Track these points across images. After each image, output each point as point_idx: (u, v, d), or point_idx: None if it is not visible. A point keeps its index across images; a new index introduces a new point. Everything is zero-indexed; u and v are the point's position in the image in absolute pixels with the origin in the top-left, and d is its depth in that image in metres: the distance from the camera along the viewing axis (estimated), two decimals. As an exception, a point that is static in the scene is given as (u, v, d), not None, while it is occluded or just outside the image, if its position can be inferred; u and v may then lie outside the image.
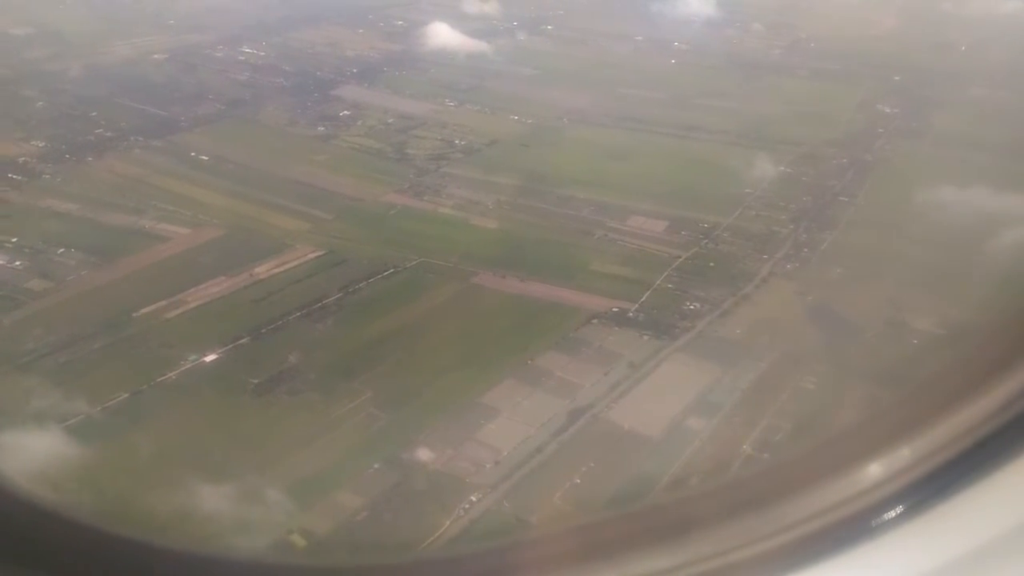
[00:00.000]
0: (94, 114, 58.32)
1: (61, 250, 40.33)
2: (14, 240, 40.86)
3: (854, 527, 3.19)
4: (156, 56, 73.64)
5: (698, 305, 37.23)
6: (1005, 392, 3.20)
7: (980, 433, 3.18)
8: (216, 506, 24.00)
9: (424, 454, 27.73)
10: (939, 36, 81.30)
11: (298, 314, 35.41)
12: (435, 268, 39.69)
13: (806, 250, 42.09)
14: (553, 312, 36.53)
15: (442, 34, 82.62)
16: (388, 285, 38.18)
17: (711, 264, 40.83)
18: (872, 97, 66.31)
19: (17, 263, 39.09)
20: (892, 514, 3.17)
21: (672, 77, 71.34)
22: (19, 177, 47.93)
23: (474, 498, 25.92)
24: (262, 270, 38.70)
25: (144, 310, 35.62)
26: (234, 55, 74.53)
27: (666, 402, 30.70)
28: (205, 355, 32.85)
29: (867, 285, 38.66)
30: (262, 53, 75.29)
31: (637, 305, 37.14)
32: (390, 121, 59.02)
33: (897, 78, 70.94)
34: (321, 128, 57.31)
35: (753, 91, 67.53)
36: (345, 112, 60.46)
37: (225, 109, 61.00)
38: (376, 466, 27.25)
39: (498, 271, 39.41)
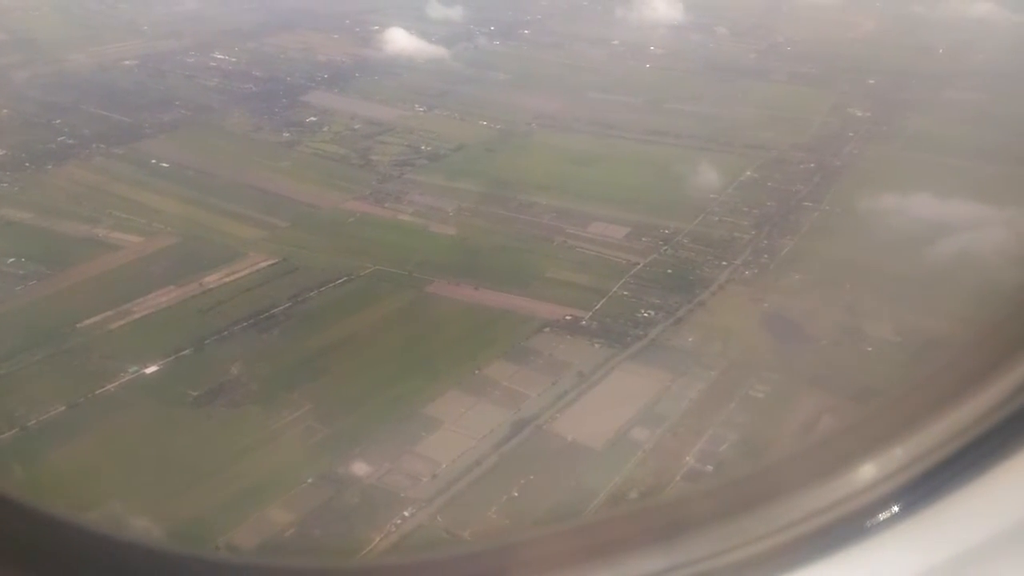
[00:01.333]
0: (58, 122, 57.73)
1: (11, 260, 39.71)
2: (-37, 250, 40.30)
3: (848, 527, 3.16)
4: (127, 62, 73.10)
5: (652, 313, 36.78)
6: (998, 392, 3.16)
7: (973, 433, 3.15)
8: (138, 523, 23.40)
9: (360, 468, 27.17)
10: (918, 39, 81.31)
11: (244, 324, 34.85)
12: (389, 276, 39.18)
13: (766, 256, 41.68)
14: (505, 321, 36.03)
15: (416, 40, 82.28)
16: (339, 294, 37.65)
17: (669, 271, 40.38)
18: (845, 101, 66.08)
19: (-36, 273, 38.52)
20: (886, 514, 3.13)
21: (646, 81, 71.07)
22: (-25, 186, 47.41)
23: (407, 513, 25.37)
24: (212, 279, 38.13)
25: (89, 321, 35.02)
26: (205, 61, 74.06)
27: (612, 413, 30.20)
28: (146, 367, 32.26)
29: (825, 291, 38.21)
30: (234, 59, 74.82)
31: (591, 313, 36.68)
32: (357, 127, 58.55)
33: (872, 81, 70.78)
34: (286, 134, 56.82)
35: (726, 95, 67.19)
36: (312, 118, 60.00)
37: (191, 115, 60.46)
38: (310, 480, 26.68)
39: (453, 279, 38.92)
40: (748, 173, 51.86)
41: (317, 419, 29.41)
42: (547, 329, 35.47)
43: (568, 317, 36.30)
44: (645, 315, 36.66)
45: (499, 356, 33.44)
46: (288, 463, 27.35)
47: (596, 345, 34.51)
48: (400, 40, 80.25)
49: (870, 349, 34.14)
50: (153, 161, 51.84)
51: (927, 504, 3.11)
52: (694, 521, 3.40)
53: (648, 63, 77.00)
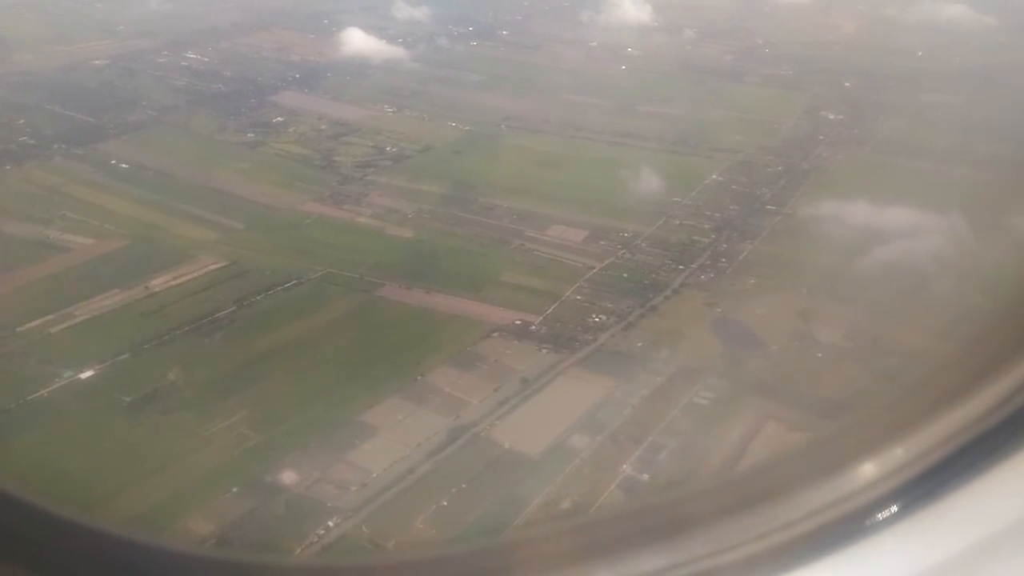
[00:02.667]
0: (21, 121, 57.11)
1: (-42, 262, 39.18)
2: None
3: (847, 527, 3.14)
4: (97, 62, 72.41)
5: (604, 317, 36.28)
6: (998, 391, 3.15)
7: (973, 433, 3.14)
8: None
9: (289, 477, 26.62)
10: (897, 41, 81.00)
11: (186, 328, 34.28)
12: (340, 280, 38.64)
13: (724, 260, 41.20)
14: (454, 325, 35.51)
15: (392, 40, 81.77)
16: (287, 297, 37.10)
17: (624, 275, 39.87)
18: (819, 103, 65.64)
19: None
20: (886, 514, 3.12)
21: (620, 83, 70.53)
22: (-71, 186, 46.82)
23: (331, 523, 24.84)
24: (159, 282, 37.55)
25: (29, 324, 34.41)
26: (177, 61, 73.42)
27: (552, 419, 29.71)
28: (82, 372, 31.69)
29: (780, 296, 37.78)
30: (206, 59, 74.22)
31: (542, 318, 36.16)
32: (323, 127, 57.99)
33: (847, 84, 70.38)
34: (250, 135, 56.24)
35: (699, 97, 66.70)
36: (279, 118, 59.42)
37: (156, 116, 59.83)
38: (235, 490, 26.12)
39: (405, 283, 38.41)
40: (714, 176, 51.40)
41: (250, 426, 28.85)
42: (496, 334, 34.96)
43: (518, 322, 35.78)
44: (596, 320, 36.16)
45: (444, 362, 32.91)
46: (214, 472, 26.78)
47: (544, 350, 34.00)
48: (375, 40, 79.77)
49: (820, 355, 33.71)
50: (113, 162, 51.24)
51: (926, 504, 3.08)
52: (694, 520, 3.36)
53: (624, 65, 76.50)
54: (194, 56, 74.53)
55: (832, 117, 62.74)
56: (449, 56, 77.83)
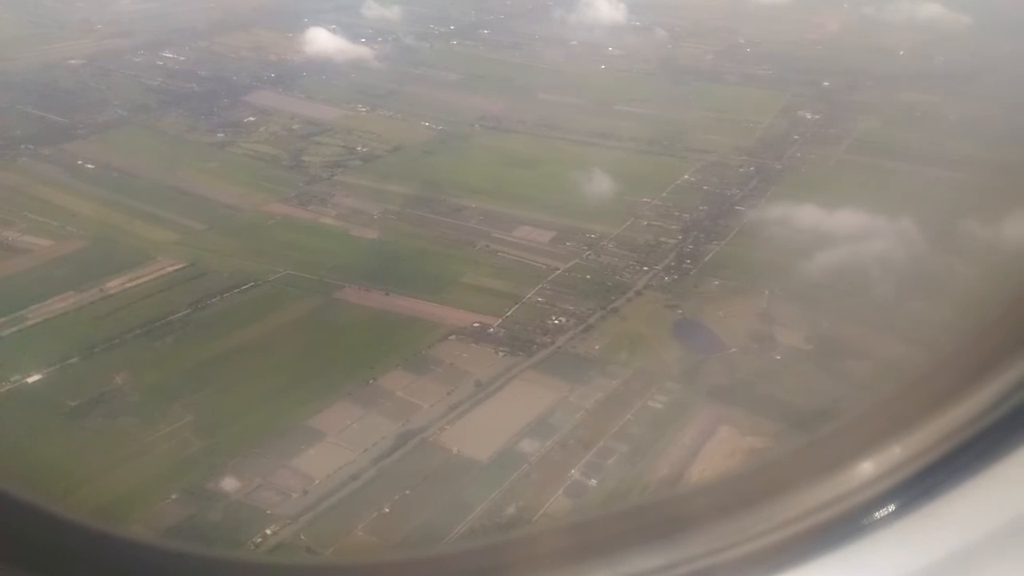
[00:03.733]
0: (-10, 121, 56.60)
1: (-88, 264, 38.63)
2: None
3: (845, 525, 3.14)
4: (72, 61, 71.75)
5: (563, 320, 35.89)
6: (994, 390, 3.14)
7: (970, 431, 3.14)
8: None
9: (230, 483, 26.19)
10: (880, 40, 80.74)
11: (138, 332, 33.79)
12: (299, 282, 38.17)
13: (689, 262, 40.82)
14: (411, 328, 35.09)
15: (372, 39, 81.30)
16: (243, 300, 36.64)
17: (588, 276, 39.50)
18: (797, 103, 65.32)
19: None
20: (883, 512, 3.12)
21: (598, 83, 70.12)
22: None
23: (269, 531, 24.42)
24: (114, 284, 37.05)
25: (-21, 327, 33.94)
26: (153, 60, 72.80)
27: (503, 423, 29.32)
28: (29, 376, 31.20)
29: (742, 298, 37.45)
30: (182, 58, 73.65)
31: (501, 320, 35.75)
32: (295, 127, 57.50)
33: (826, 83, 70.04)
34: (220, 135, 55.71)
35: (677, 97, 66.38)
36: (250, 118, 58.88)
37: (127, 116, 59.25)
38: (174, 496, 25.68)
39: (365, 285, 37.95)
40: (686, 177, 51.02)
41: (195, 431, 28.40)
42: (453, 337, 34.55)
43: (476, 324, 35.37)
44: (555, 322, 35.77)
45: (397, 365, 32.49)
46: (155, 478, 26.33)
47: (500, 353, 33.60)
48: (354, 40, 79.18)
49: (778, 357, 33.38)
50: (79, 162, 50.69)
51: (924, 502, 3.09)
52: (692, 519, 3.36)
53: (604, 64, 76.11)
54: (170, 55, 73.98)
55: (809, 117, 62.40)
56: (428, 55, 77.39)
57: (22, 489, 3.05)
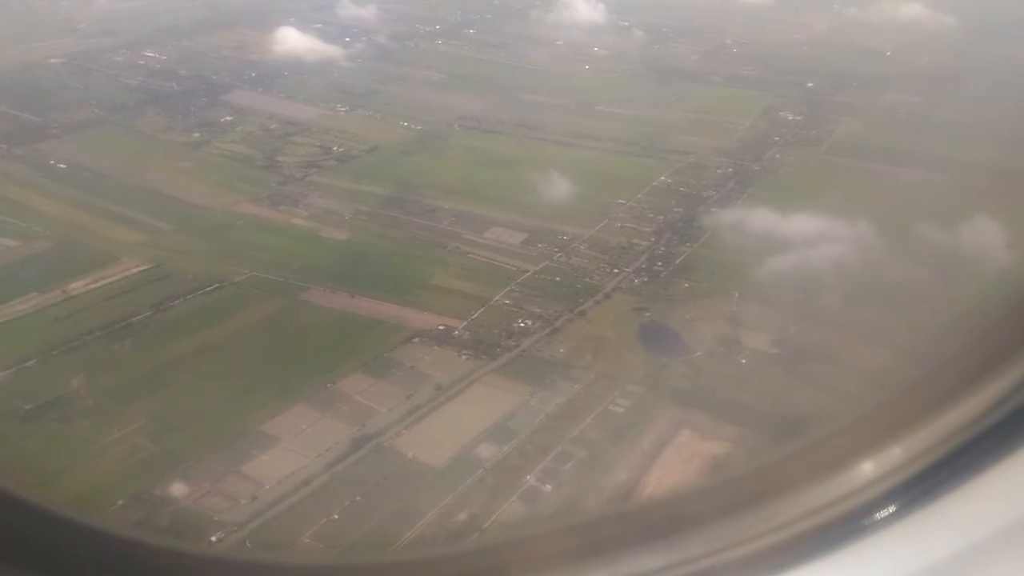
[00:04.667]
0: (-36, 121, 56.17)
1: None
2: None
3: (845, 526, 3.15)
4: (53, 60, 71.33)
5: (529, 323, 35.53)
6: (994, 392, 3.17)
7: (970, 433, 3.15)
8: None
9: (178, 489, 25.82)
10: (867, 41, 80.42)
11: (98, 334, 33.40)
12: (264, 283, 37.80)
13: (660, 264, 40.46)
14: (375, 330, 34.73)
15: (356, 38, 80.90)
16: (207, 301, 36.25)
17: (557, 279, 39.13)
18: (779, 104, 64.95)
19: None
20: (884, 513, 3.13)
21: (581, 83, 69.74)
22: None
23: (215, 538, 24.03)
24: (77, 286, 36.64)
25: (-63, 330, 33.56)
26: (134, 59, 72.43)
27: (461, 428, 28.96)
28: (-16, 378, 30.84)
29: (711, 301, 37.12)
30: (163, 57, 73.26)
31: (466, 323, 35.39)
32: (272, 127, 57.10)
33: (811, 84, 69.69)
34: (196, 134, 55.32)
35: (659, 98, 66.01)
36: (227, 117, 58.50)
37: (104, 115, 58.86)
38: (120, 503, 25.32)
39: (331, 286, 37.57)
40: (662, 178, 50.66)
41: (147, 436, 28.01)
42: (416, 340, 34.18)
43: (441, 327, 35.01)
44: (521, 325, 35.42)
45: (358, 368, 32.12)
46: (102, 483, 25.98)
47: (463, 357, 33.24)
48: (338, 39, 78.82)
49: (744, 361, 33.04)
50: (51, 162, 50.26)
51: (924, 503, 3.10)
52: (692, 519, 3.35)
53: (588, 64, 75.77)
54: (151, 55, 73.59)
55: (791, 118, 62.06)
56: (411, 55, 77.00)
57: (16, 486, 3.02)
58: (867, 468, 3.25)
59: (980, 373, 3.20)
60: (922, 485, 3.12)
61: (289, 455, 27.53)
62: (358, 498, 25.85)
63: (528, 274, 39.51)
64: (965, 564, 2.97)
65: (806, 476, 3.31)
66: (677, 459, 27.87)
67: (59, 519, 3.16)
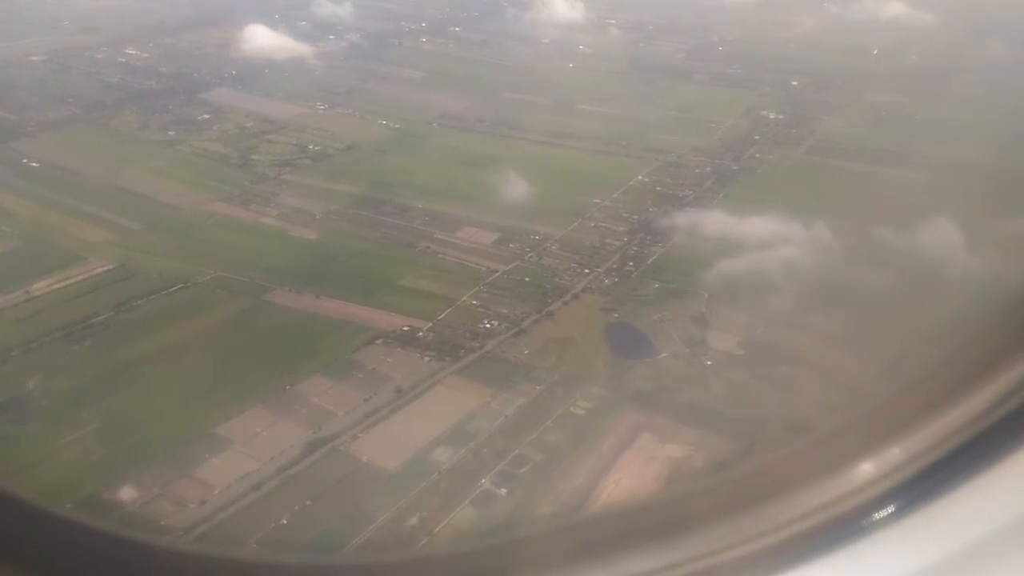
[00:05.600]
0: (-61, 119, 55.78)
1: None
2: None
3: (845, 526, 3.13)
4: (34, 58, 70.88)
5: (496, 323, 35.19)
6: (993, 393, 3.15)
7: (969, 433, 3.13)
8: None
9: (127, 493, 25.51)
10: (856, 39, 79.99)
11: (58, 335, 33.06)
12: (230, 283, 37.44)
13: (631, 264, 40.10)
14: (338, 332, 34.37)
15: (341, 36, 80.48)
16: (170, 302, 35.90)
17: (526, 279, 38.78)
18: (762, 102, 64.56)
19: None
20: (883, 514, 3.11)
21: (564, 81, 69.27)
22: None
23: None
24: (41, 286, 36.28)
25: None
26: (115, 57, 71.97)
27: (419, 431, 28.63)
28: (-61, 380, 30.51)
29: (681, 302, 36.78)
30: (145, 55, 72.82)
31: (432, 324, 35.04)
32: (249, 125, 56.69)
33: (795, 83, 69.34)
34: (171, 132, 54.93)
35: (642, 96, 65.57)
36: (205, 115, 58.10)
37: (80, 113, 58.46)
38: (68, 507, 24.76)
39: (297, 287, 37.21)
40: (640, 177, 50.29)
41: (101, 438, 27.69)
42: (380, 341, 33.84)
43: (406, 328, 34.66)
44: (487, 326, 35.08)
45: (318, 370, 31.77)
46: (51, 487, 25.52)
47: (426, 358, 32.88)
48: (322, 37, 78.43)
49: (709, 363, 32.71)
50: (24, 161, 49.91)
51: (923, 504, 3.10)
52: (691, 520, 3.35)
53: (572, 63, 75.40)
54: (133, 52, 73.14)
55: (773, 117, 61.65)
56: (395, 53, 76.56)
57: (17, 488, 3.01)
58: (866, 469, 3.24)
59: (979, 374, 3.20)
60: (921, 486, 3.11)
61: (241, 458, 27.19)
62: (308, 503, 25.53)
63: (498, 274, 39.16)
64: (964, 565, 2.96)
65: (805, 477, 3.30)
66: (635, 463, 27.56)
67: (56, 519, 3.13)
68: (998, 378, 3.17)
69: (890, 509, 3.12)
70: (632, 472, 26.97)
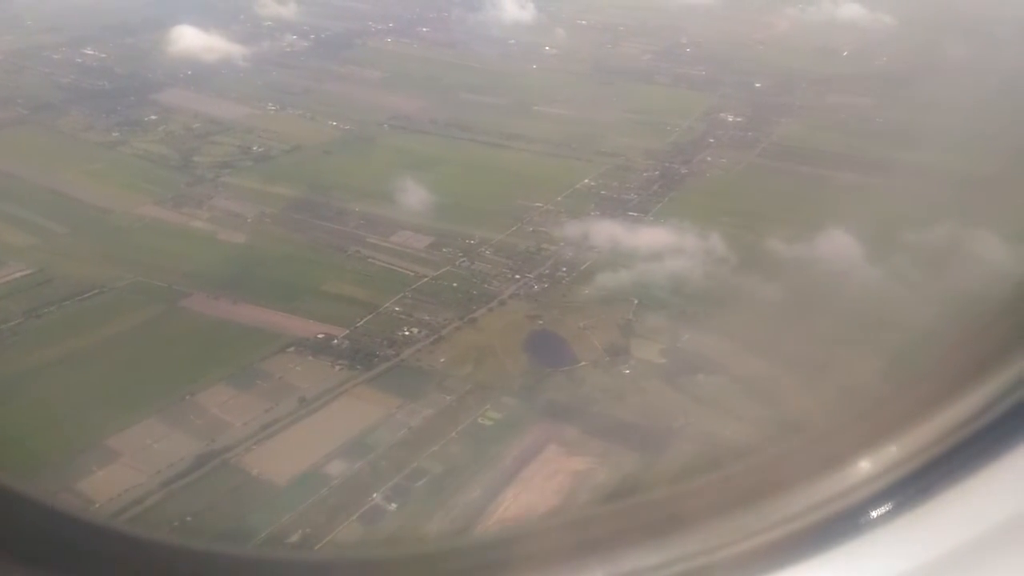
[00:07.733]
0: None
1: None
2: None
3: (842, 524, 3.11)
4: (-12, 58, 70.25)
5: (416, 331, 34.36)
6: (991, 390, 3.15)
7: (966, 431, 3.13)
8: None
9: (2, 507, 24.57)
10: (827, 40, 79.24)
11: (-40, 342, 32.26)
12: (147, 288, 36.55)
13: (564, 269, 39.26)
14: (250, 339, 33.49)
15: (303, 36, 79.60)
16: (82, 308, 35.02)
17: (454, 285, 37.96)
18: (722, 105, 63.76)
19: None
20: (879, 512, 3.10)
21: (524, 83, 68.50)
22: None
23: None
24: (-49, 291, 35.47)
25: None
26: (72, 57, 71.05)
27: (317, 443, 27.81)
28: None
29: (609, 308, 35.96)
30: (103, 55, 71.86)
31: (349, 331, 34.19)
32: (195, 126, 55.79)
33: (758, 84, 68.58)
34: (115, 134, 54.03)
35: (600, 98, 64.82)
36: (152, 116, 57.20)
37: (26, 114, 57.50)
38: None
39: (216, 292, 36.35)
40: (586, 181, 49.49)
41: (-15, 450, 26.79)
42: (292, 349, 32.99)
43: (321, 335, 33.82)
44: (406, 333, 34.24)
45: (222, 379, 30.90)
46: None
47: (337, 367, 32.05)
48: (283, 37, 77.58)
49: (627, 371, 31.88)
50: (-40, 162, 49.12)
51: (920, 502, 3.08)
52: (688, 517, 3.32)
53: (536, 64, 74.53)
54: (91, 52, 72.19)
55: (730, 119, 60.86)
56: (358, 53, 75.68)
57: (17, 481, 2.97)
58: (862, 466, 3.22)
59: (976, 371, 3.19)
60: (918, 483, 3.09)
61: (127, 471, 26.33)
62: (189, 519, 24.65)
63: (425, 280, 38.33)
64: (961, 562, 2.95)
65: (801, 474, 3.28)
66: (538, 476, 26.73)
67: (53, 512, 3.07)
68: (996, 375, 3.15)
69: (886, 507, 3.09)
70: (532, 486, 26.15)
